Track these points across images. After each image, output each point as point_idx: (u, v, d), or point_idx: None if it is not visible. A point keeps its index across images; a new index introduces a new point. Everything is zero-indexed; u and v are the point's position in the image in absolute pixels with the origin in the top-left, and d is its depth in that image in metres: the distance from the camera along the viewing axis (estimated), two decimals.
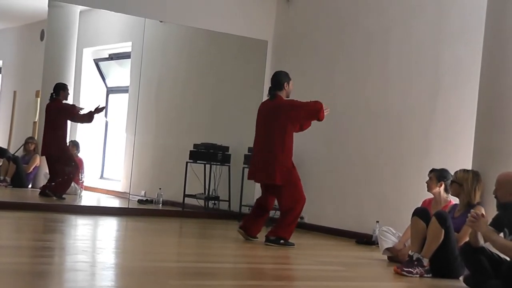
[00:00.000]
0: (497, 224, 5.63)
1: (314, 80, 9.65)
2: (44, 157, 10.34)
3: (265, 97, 10.30)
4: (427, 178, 7.02)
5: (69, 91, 10.29)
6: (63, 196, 9.94)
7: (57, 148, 10.11)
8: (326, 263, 6.82)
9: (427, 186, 6.97)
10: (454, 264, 6.11)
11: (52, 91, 10.15)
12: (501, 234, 5.59)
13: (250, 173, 7.84)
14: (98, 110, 10.25)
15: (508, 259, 5.51)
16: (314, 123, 7.76)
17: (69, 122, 10.39)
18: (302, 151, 9.06)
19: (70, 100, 10.42)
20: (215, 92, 11.22)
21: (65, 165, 10.12)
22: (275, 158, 7.46)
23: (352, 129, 9.16)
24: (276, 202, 7.77)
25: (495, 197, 5.72)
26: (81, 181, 10.71)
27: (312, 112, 7.51)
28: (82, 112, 10.31)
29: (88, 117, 10.26)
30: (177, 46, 11.55)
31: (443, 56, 8.24)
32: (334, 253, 7.69)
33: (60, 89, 10.17)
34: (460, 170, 6.44)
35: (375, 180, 8.76)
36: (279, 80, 7.64)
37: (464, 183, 6.33)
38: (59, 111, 10.13)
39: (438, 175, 6.89)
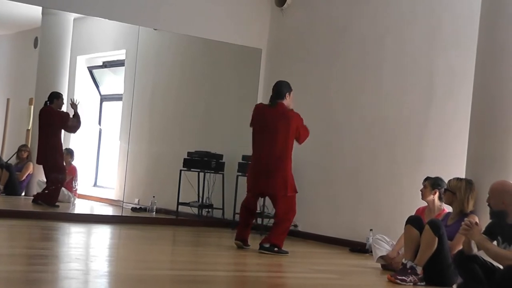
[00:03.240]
0: (491, 232, 5.65)
1: (308, 88, 9.66)
2: (38, 165, 10.31)
3: None
4: (421, 186, 7.03)
5: (64, 101, 10.24)
6: (56, 204, 9.91)
7: (52, 156, 10.07)
8: (320, 271, 6.82)
9: (422, 194, 6.99)
10: (448, 272, 6.11)
11: (46, 99, 10.12)
12: (495, 242, 5.61)
13: (255, 185, 7.69)
14: (73, 105, 10.20)
15: (501, 267, 5.52)
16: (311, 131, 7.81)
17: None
18: (296, 159, 9.05)
19: (64, 108, 10.39)
20: (209, 100, 11.22)
21: (56, 174, 10.09)
22: (280, 168, 7.45)
23: (346, 137, 9.17)
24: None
25: (488, 205, 5.74)
26: (74, 189, 10.69)
27: (302, 136, 7.62)
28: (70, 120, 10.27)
29: (77, 122, 10.22)
30: (171, 54, 11.56)
31: (437, 64, 8.26)
32: (328, 261, 7.68)
33: (54, 98, 10.13)
34: (453, 178, 6.46)
35: (369, 188, 8.76)
36: (281, 89, 7.63)
37: (457, 191, 6.35)
38: (53, 118, 10.07)
39: (433, 183, 6.91)
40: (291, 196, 7.55)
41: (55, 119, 10.09)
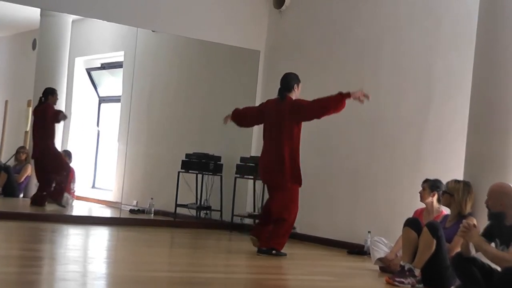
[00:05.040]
0: (489, 234, 5.64)
1: (306, 89, 9.58)
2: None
3: None
4: (419, 188, 7.03)
5: (58, 97, 10.25)
6: (63, 203, 9.98)
7: (46, 152, 10.08)
8: (318, 273, 6.81)
9: (420, 196, 6.99)
10: (446, 274, 6.10)
11: (41, 95, 10.14)
12: (493, 244, 5.60)
13: (261, 174, 7.82)
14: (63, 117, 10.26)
15: (499, 269, 5.52)
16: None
17: (57, 127, 10.37)
18: None
19: (62, 109, 10.39)
20: (207, 102, 11.21)
21: (57, 171, 10.13)
22: (284, 158, 7.44)
23: (344, 139, 9.17)
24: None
25: (487, 206, 5.73)
26: (72, 191, 10.68)
27: (323, 108, 7.41)
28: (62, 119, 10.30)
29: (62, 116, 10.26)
30: (169, 55, 11.55)
31: (435, 65, 8.26)
32: (326, 263, 7.68)
33: (49, 94, 10.16)
34: (451, 180, 6.46)
35: (367, 190, 8.76)
36: (288, 81, 7.64)
37: (455, 193, 6.35)
38: (47, 116, 10.10)
39: (431, 185, 6.92)
40: (291, 188, 7.50)
41: (49, 117, 10.10)
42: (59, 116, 10.17)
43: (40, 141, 10.13)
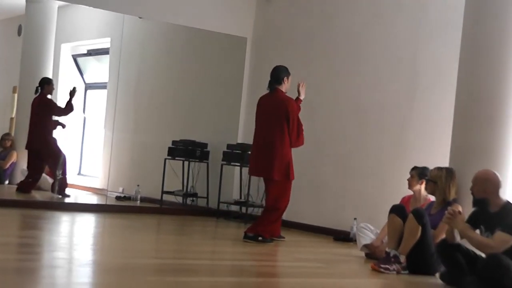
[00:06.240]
0: (473, 221, 5.69)
1: (293, 77, 9.61)
2: (22, 153, 10.29)
3: (244, 94, 10.40)
4: (405, 176, 7.07)
5: (54, 87, 10.25)
6: (67, 194, 10.12)
7: (42, 142, 10.08)
8: (304, 259, 6.84)
9: (408, 184, 7.02)
10: (431, 261, 6.15)
11: (37, 85, 10.12)
12: (477, 231, 5.65)
13: (250, 168, 7.84)
14: (72, 93, 10.24)
15: (483, 255, 5.57)
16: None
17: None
18: None
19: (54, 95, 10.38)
20: (194, 89, 11.19)
21: (54, 161, 10.18)
22: (274, 152, 7.46)
23: (331, 126, 9.18)
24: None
25: (472, 193, 5.77)
26: (58, 177, 10.65)
27: (294, 135, 7.57)
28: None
29: (69, 107, 10.27)
30: (156, 42, 11.51)
31: (421, 54, 8.28)
32: (312, 249, 7.71)
33: (45, 83, 10.18)
34: (434, 168, 6.50)
35: (353, 177, 8.79)
36: (278, 74, 7.67)
37: (438, 180, 6.39)
38: (44, 106, 10.10)
39: (420, 172, 6.95)
40: (282, 181, 7.53)
41: (46, 107, 10.11)
42: (57, 106, 10.23)
43: (36, 131, 10.10)
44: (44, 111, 10.13)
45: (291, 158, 7.58)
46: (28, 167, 10.23)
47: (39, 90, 10.12)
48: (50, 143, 10.24)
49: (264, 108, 7.68)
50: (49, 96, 10.20)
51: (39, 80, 10.18)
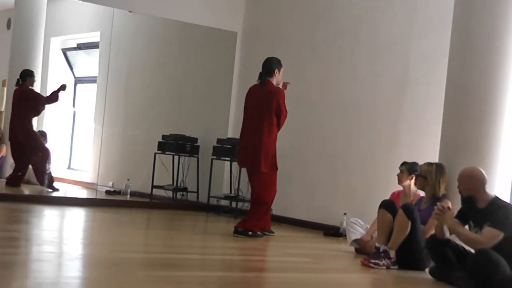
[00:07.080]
0: (462, 216, 5.70)
1: (283, 72, 9.64)
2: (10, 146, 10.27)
3: (234, 89, 10.39)
4: (395, 171, 7.08)
5: (36, 79, 10.20)
6: (57, 188, 10.10)
7: (24, 134, 10.04)
8: (294, 254, 6.85)
9: (398, 179, 7.03)
10: (420, 256, 6.17)
11: (18, 77, 10.07)
12: (467, 227, 5.67)
13: (238, 160, 7.83)
14: (62, 87, 10.21)
15: (472, 251, 5.58)
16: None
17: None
18: None
19: (37, 90, 10.31)
20: (184, 83, 11.17)
21: (34, 154, 10.12)
22: (261, 144, 7.45)
23: (321, 121, 9.19)
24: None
25: (459, 192, 5.78)
26: (48, 171, 10.62)
27: (281, 125, 7.61)
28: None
29: (54, 97, 10.24)
30: (146, 36, 11.48)
31: (412, 50, 8.29)
32: (302, 244, 7.72)
33: (27, 76, 10.12)
34: (424, 163, 6.51)
35: (343, 172, 8.80)
36: (270, 66, 7.65)
37: (428, 176, 6.40)
38: (26, 97, 10.06)
39: (409, 168, 6.95)
40: (267, 173, 7.53)
41: (29, 98, 10.06)
42: (41, 96, 10.19)
43: (18, 122, 10.07)
44: (25, 102, 10.08)
45: (276, 149, 7.57)
46: (14, 160, 10.20)
47: (20, 82, 10.09)
48: (32, 134, 10.19)
49: (253, 99, 7.66)
50: (31, 88, 10.16)
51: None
